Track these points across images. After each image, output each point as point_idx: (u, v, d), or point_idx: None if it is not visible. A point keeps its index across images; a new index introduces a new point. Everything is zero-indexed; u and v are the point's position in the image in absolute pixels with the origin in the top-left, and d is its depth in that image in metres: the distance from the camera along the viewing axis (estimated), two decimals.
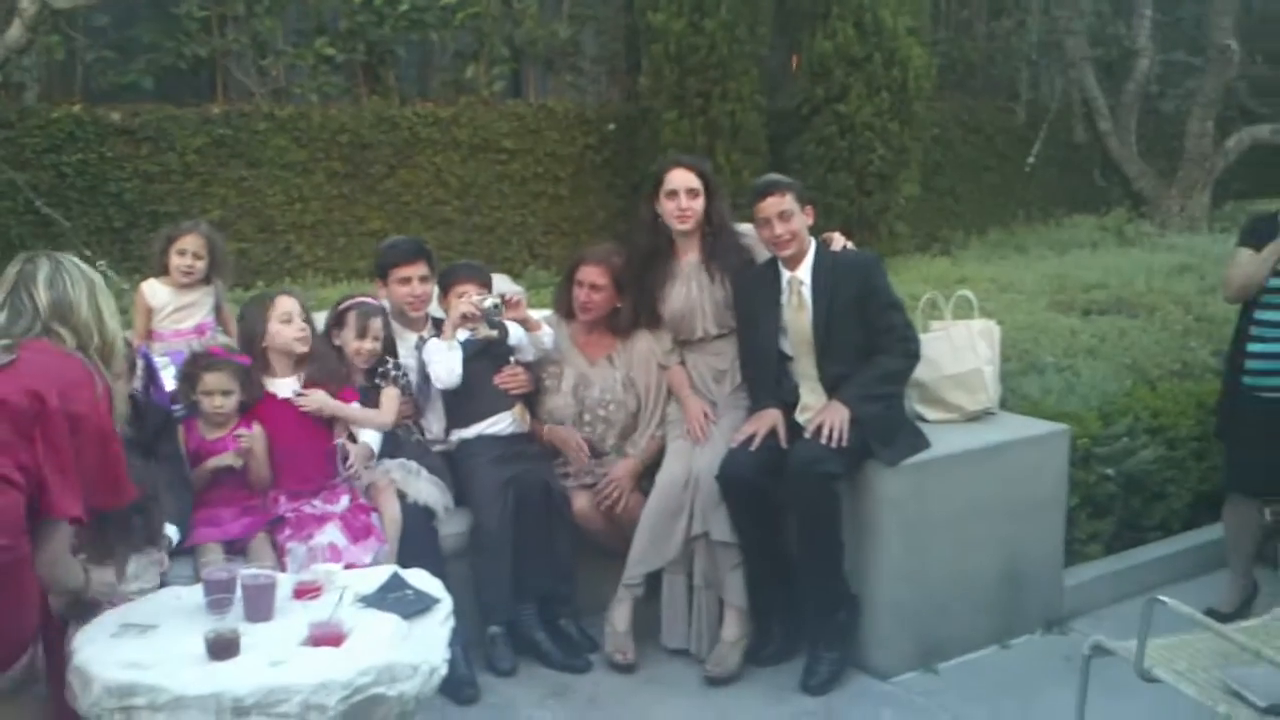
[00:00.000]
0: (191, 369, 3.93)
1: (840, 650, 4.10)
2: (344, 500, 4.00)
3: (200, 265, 4.59)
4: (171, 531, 3.52)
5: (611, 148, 9.47)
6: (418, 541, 4.06)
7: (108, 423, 2.77)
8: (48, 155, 7.41)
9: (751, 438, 4.12)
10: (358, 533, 3.91)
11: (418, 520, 4.13)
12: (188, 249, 4.58)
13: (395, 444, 4.29)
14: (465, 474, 4.38)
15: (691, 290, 4.41)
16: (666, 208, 4.40)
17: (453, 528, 4.26)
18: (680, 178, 4.39)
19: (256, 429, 3.93)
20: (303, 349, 4.08)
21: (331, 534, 3.86)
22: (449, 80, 9.23)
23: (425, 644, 2.82)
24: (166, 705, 2.52)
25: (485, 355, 4.46)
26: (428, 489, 4.21)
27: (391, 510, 4.06)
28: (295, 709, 2.51)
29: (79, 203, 7.47)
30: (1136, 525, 5.07)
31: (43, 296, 2.77)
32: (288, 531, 3.88)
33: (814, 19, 9.05)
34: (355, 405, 4.13)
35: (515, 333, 4.47)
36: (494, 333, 4.38)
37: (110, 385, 2.81)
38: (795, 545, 4.11)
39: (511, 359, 4.52)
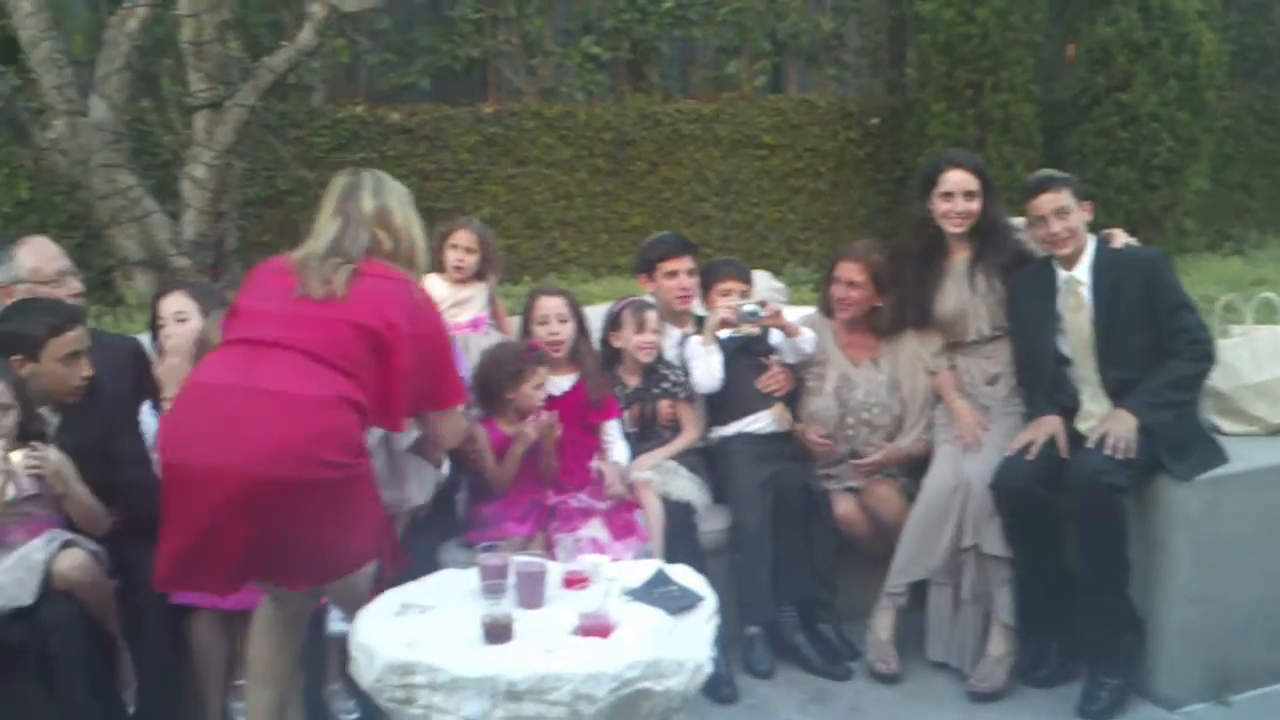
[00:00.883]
0: (519, 364, 4.00)
1: (1123, 676, 3.83)
2: (605, 499, 4.04)
3: (471, 260, 4.70)
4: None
5: (874, 142, 9.28)
6: (678, 538, 4.06)
7: (445, 335, 3.15)
8: (334, 154, 7.85)
9: (1029, 446, 3.90)
10: (619, 530, 3.94)
11: (678, 517, 4.12)
12: (459, 244, 4.70)
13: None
14: (724, 472, 4.34)
15: (964, 291, 4.23)
16: (940, 208, 4.22)
17: (712, 525, 4.23)
18: (958, 179, 4.19)
19: (549, 416, 4.00)
20: (555, 354, 4.15)
21: (595, 529, 3.90)
22: (710, 76, 9.26)
23: (691, 641, 2.79)
24: (444, 685, 2.58)
25: (746, 353, 4.41)
26: (686, 485, 4.20)
27: (654, 507, 4.07)
28: (566, 697, 2.52)
29: None
30: None
31: (368, 203, 3.06)
32: (555, 524, 3.95)
33: (1093, 4, 8.61)
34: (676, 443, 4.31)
35: (775, 333, 4.41)
36: (755, 330, 4.33)
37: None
38: (1075, 562, 3.86)
39: (772, 358, 4.45)
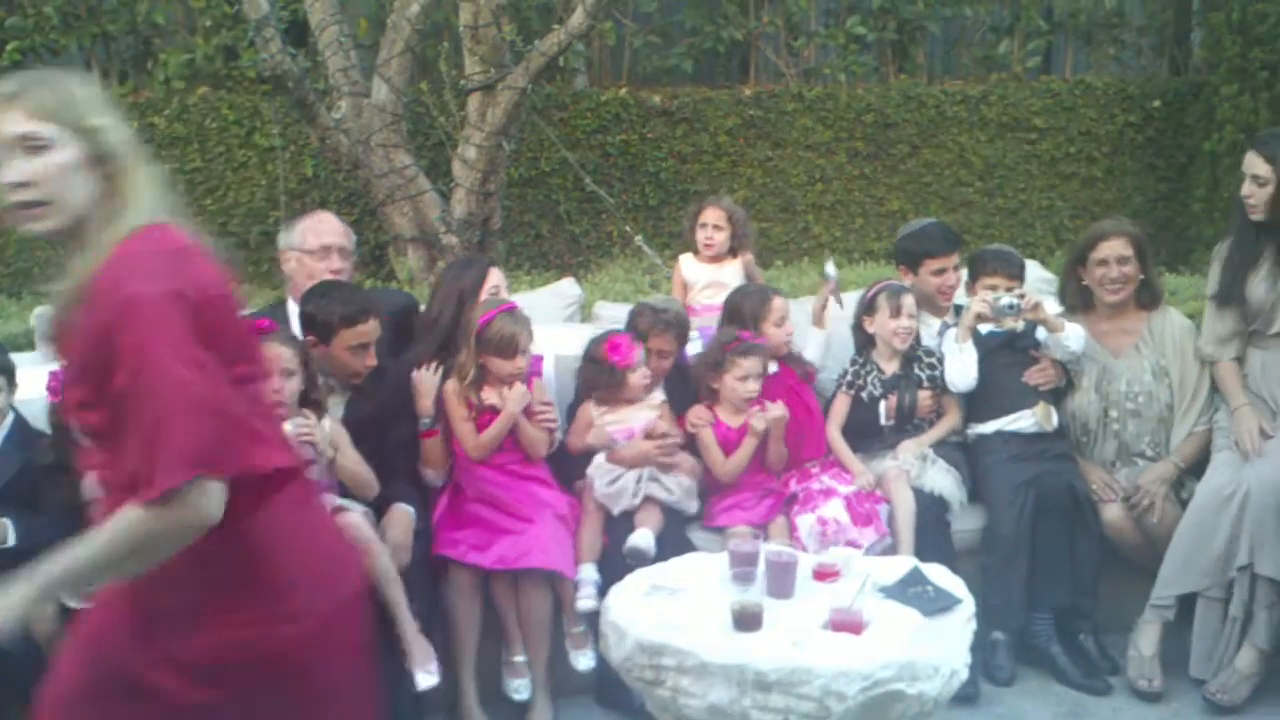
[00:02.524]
0: (721, 354, 3.99)
1: None
2: (852, 484, 3.97)
3: (720, 238, 4.68)
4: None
5: (1155, 126, 8.73)
6: (930, 533, 3.95)
7: None
8: (595, 136, 7.99)
9: None
10: (859, 516, 3.86)
11: (931, 511, 4.01)
12: (708, 221, 4.69)
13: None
14: (981, 469, 4.19)
15: (1277, 280, 3.93)
16: (1244, 191, 3.96)
17: (966, 524, 4.09)
18: (1249, 163, 3.93)
19: (781, 406, 3.96)
20: (784, 350, 4.15)
21: (835, 509, 3.84)
22: (980, 56, 8.91)
23: (946, 644, 2.70)
24: (693, 669, 2.60)
25: (1009, 349, 4.22)
26: (943, 479, 4.08)
27: (905, 499, 3.96)
28: (816, 692, 2.49)
29: (620, 180, 8.00)
30: None
31: None
32: (797, 507, 3.92)
33: None
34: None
35: (1040, 329, 4.21)
36: (1018, 324, 4.14)
37: None
38: None
39: (1037, 353, 4.25)
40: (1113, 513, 4.05)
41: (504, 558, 3.60)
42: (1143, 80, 8.94)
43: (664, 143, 8.05)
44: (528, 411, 3.78)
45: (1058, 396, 4.26)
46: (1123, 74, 9.11)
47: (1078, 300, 4.34)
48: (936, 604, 2.84)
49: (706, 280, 4.73)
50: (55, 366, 3.77)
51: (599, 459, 3.89)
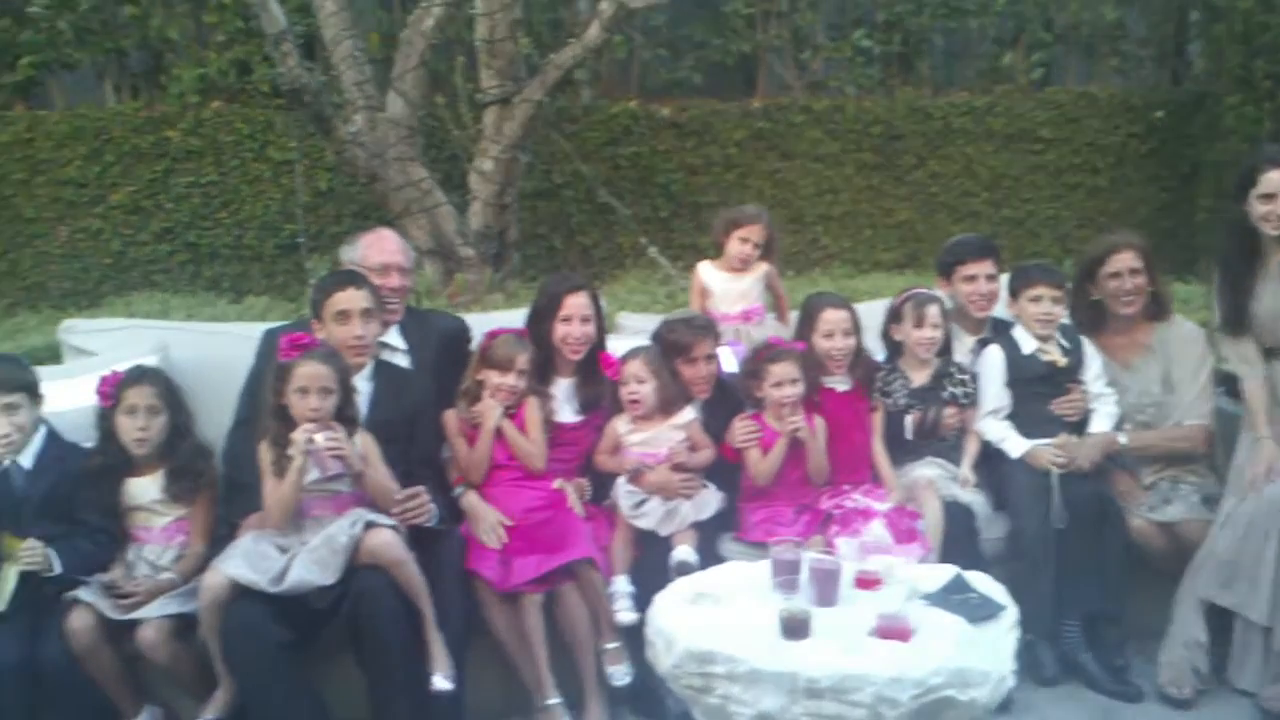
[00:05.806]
0: (755, 363, 4.02)
1: None
2: (887, 498, 3.98)
3: (756, 254, 4.68)
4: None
5: (1159, 136, 8.81)
6: (958, 543, 3.95)
7: None
8: (606, 148, 8.05)
9: None
10: (902, 535, 3.86)
11: (958, 521, 4.02)
12: (750, 238, 4.63)
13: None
14: (1004, 476, 4.20)
15: None
16: (1259, 210, 3.96)
17: (993, 532, 4.10)
18: (1267, 181, 3.94)
19: (819, 422, 3.98)
20: (837, 370, 4.12)
21: (876, 531, 3.84)
22: (984, 68, 9.00)
23: (993, 651, 2.73)
24: (743, 677, 2.61)
25: (1048, 380, 4.21)
26: (967, 490, 4.09)
27: (934, 509, 3.97)
28: (868, 699, 2.51)
29: (630, 193, 8.05)
30: None
31: None
32: (835, 528, 3.90)
33: None
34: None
35: (1093, 365, 4.23)
36: (1064, 360, 4.15)
37: None
38: None
39: (1072, 385, 4.24)
40: (1139, 520, 4.06)
41: (525, 571, 3.61)
42: (1145, 91, 9.03)
43: (674, 155, 8.11)
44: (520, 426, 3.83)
45: (1080, 427, 4.24)
46: (1126, 85, 9.19)
47: (1087, 315, 4.35)
48: (981, 611, 2.87)
49: (726, 289, 4.69)
50: (89, 375, 3.83)
51: (622, 480, 3.92)
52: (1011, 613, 2.91)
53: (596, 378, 4.03)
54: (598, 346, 4.04)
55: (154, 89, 7.92)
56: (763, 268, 4.72)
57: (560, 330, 3.96)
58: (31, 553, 3.28)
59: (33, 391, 3.55)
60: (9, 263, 7.55)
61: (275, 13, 5.91)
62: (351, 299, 3.62)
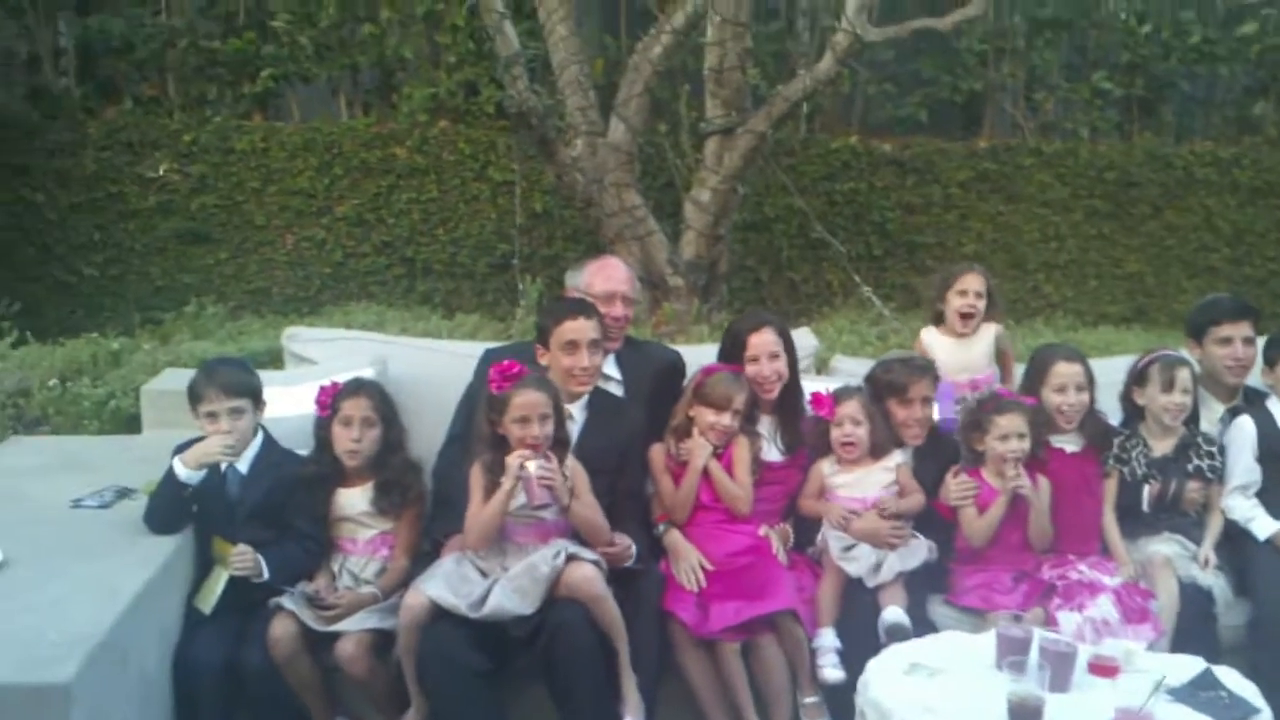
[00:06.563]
0: (979, 414, 3.80)
1: None
2: (1117, 573, 3.69)
3: (981, 306, 4.35)
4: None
5: None
6: (1193, 626, 3.64)
7: None
8: (823, 183, 7.89)
9: None
10: (1131, 613, 3.57)
11: (1195, 604, 3.70)
12: (968, 288, 4.35)
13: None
14: (1246, 559, 3.85)
15: None
16: None
17: (1233, 619, 3.76)
18: None
19: (1043, 482, 3.73)
20: (1068, 426, 3.85)
21: (1104, 608, 3.56)
22: (1232, 117, 8.46)
23: None
24: None
25: None
26: (1208, 570, 3.77)
27: (1169, 589, 3.67)
28: None
29: (844, 229, 7.87)
30: None
31: None
32: (1057, 601, 3.63)
33: None
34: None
35: None
36: None
37: None
38: None
39: None
40: None
41: (724, 617, 3.48)
42: None
43: (892, 192, 7.90)
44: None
45: None
46: None
47: None
48: (1232, 712, 2.59)
49: (953, 355, 4.35)
50: (309, 384, 3.89)
51: (828, 524, 3.77)
52: (1267, 715, 2.62)
53: (798, 416, 3.89)
54: (793, 383, 3.89)
55: (385, 106, 8.18)
56: (991, 330, 4.39)
57: (749, 370, 3.82)
58: (243, 558, 3.32)
59: (257, 397, 3.61)
60: (237, 266, 7.89)
61: (510, 36, 5.99)
62: (581, 329, 3.57)
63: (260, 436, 3.62)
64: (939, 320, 4.42)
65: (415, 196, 7.80)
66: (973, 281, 4.36)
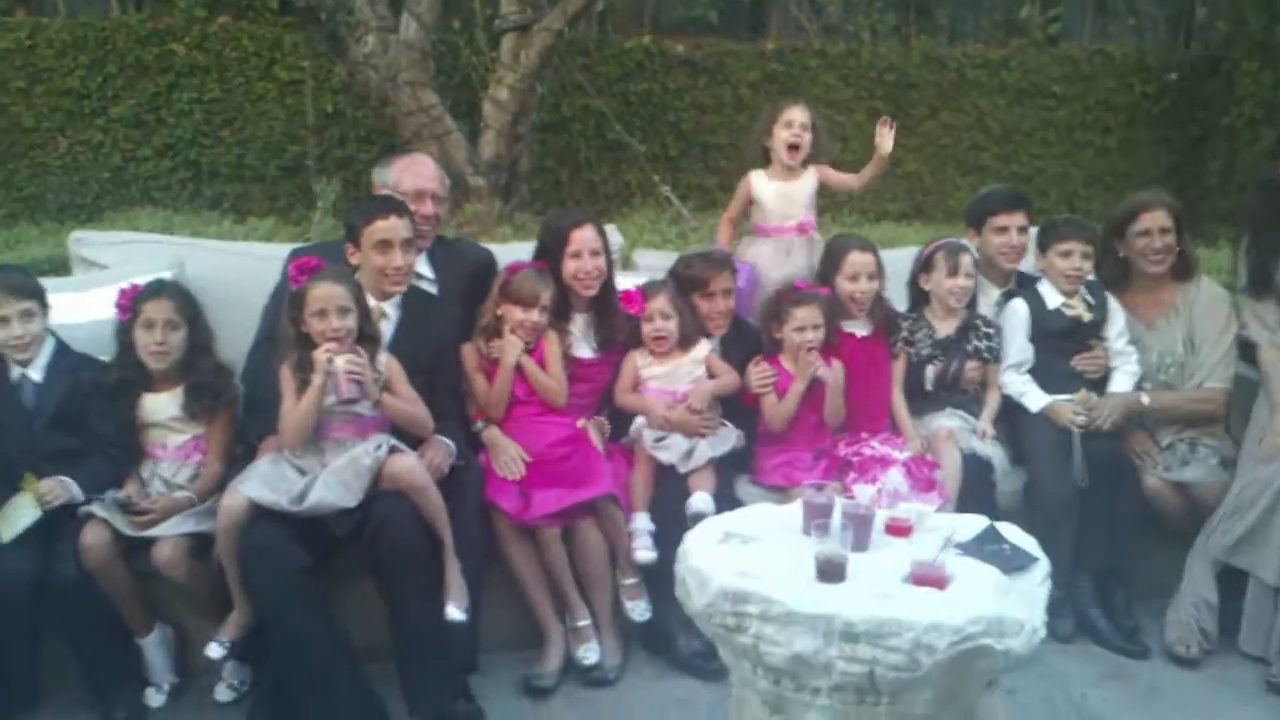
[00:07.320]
0: (778, 305, 3.98)
1: None
2: (905, 448, 3.96)
3: (807, 138, 4.38)
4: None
5: (1171, 98, 8.74)
6: (975, 495, 3.94)
7: None
8: (618, 84, 7.93)
9: None
10: (920, 483, 3.85)
11: (976, 473, 4.01)
12: (794, 120, 4.35)
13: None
14: (1023, 431, 4.19)
15: None
16: None
17: (1011, 485, 4.10)
18: None
19: (836, 365, 3.95)
20: (859, 314, 4.10)
21: (895, 479, 3.82)
22: (1000, 21, 8.89)
23: (1027, 602, 2.70)
24: (778, 618, 2.58)
25: (1070, 336, 4.18)
26: (987, 442, 4.08)
27: (953, 460, 3.96)
28: (905, 644, 2.48)
29: (640, 129, 7.94)
30: None
31: None
32: (853, 475, 3.88)
33: None
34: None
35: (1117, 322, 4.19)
36: (1088, 315, 4.12)
37: None
38: None
39: (1094, 341, 4.21)
40: (1154, 478, 4.07)
41: (545, 504, 3.59)
42: (1160, 52, 8.95)
43: (685, 93, 8.00)
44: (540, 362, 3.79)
45: (1100, 384, 4.23)
46: (1141, 45, 9.12)
47: (1113, 273, 4.32)
48: (1014, 562, 2.84)
49: (780, 195, 4.41)
50: (101, 289, 3.75)
51: (641, 418, 3.90)
52: (1044, 565, 2.89)
53: (612, 313, 3.98)
54: (608, 281, 3.98)
55: (160, 1, 7.74)
56: (813, 171, 4.48)
57: (571, 266, 3.88)
58: (52, 492, 3.26)
59: (42, 300, 3.48)
60: (6, 173, 7.41)
61: None
62: (393, 228, 3.54)
63: (52, 342, 3.50)
64: (766, 160, 4.47)
65: (197, 96, 7.45)
66: (798, 114, 4.41)
